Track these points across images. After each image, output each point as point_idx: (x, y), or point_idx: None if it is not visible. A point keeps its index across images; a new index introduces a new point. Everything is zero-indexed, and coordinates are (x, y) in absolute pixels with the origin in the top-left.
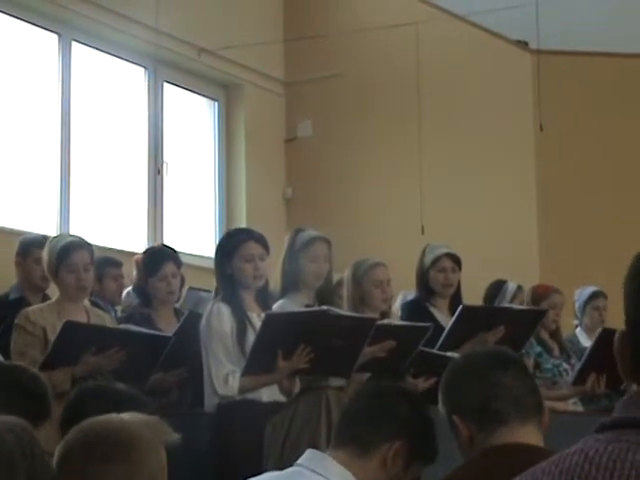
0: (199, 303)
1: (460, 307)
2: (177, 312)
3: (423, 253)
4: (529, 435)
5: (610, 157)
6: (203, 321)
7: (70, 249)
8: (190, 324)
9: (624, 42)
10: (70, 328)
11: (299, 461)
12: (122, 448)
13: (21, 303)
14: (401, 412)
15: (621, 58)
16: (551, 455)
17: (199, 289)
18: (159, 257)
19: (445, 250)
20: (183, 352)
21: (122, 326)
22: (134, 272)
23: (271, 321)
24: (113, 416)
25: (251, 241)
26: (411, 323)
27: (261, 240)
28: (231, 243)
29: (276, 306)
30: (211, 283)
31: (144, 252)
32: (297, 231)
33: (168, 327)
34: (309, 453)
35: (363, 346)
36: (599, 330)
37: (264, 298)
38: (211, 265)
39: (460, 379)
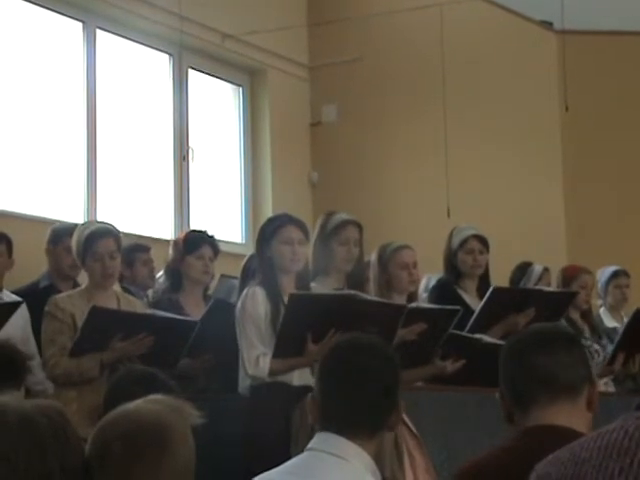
0: (231, 291)
1: (491, 289)
2: (207, 299)
3: (450, 235)
4: (558, 415)
5: (636, 136)
6: (239, 304)
7: (95, 237)
8: (216, 311)
9: None
10: (96, 313)
11: (313, 445)
12: (160, 445)
13: (51, 291)
14: (379, 376)
15: None
16: (575, 436)
17: (231, 277)
18: (200, 238)
19: (472, 232)
20: (210, 338)
21: (148, 311)
22: (170, 252)
23: (295, 302)
24: (144, 406)
25: (291, 225)
26: (441, 306)
27: (301, 225)
28: (271, 227)
29: None
30: (237, 268)
31: (185, 233)
32: (329, 215)
33: (196, 312)
34: (321, 436)
35: (395, 332)
36: (634, 310)
37: (304, 283)
38: (236, 250)
39: (502, 359)
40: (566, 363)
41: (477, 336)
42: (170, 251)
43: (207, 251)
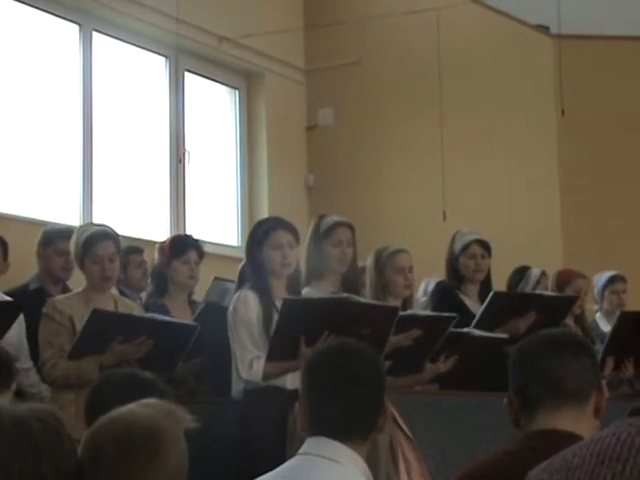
0: (225, 294)
1: (491, 293)
2: (191, 303)
3: (453, 240)
4: (563, 420)
5: (632, 141)
6: (231, 307)
7: (95, 240)
8: (208, 314)
9: None
10: (97, 316)
11: (305, 449)
12: (152, 448)
13: (41, 293)
14: (372, 381)
15: None
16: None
17: (225, 279)
18: (185, 243)
19: (475, 236)
20: (200, 342)
21: (149, 315)
22: (156, 257)
23: (289, 307)
24: (137, 410)
25: (280, 229)
26: (437, 313)
27: (290, 228)
28: (261, 231)
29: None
30: (233, 271)
31: (170, 238)
32: (320, 217)
33: (182, 316)
34: (313, 440)
35: (389, 334)
36: (618, 313)
37: (295, 286)
38: (232, 253)
39: (511, 363)
40: (573, 369)
41: (465, 330)
42: (156, 256)
43: (193, 255)
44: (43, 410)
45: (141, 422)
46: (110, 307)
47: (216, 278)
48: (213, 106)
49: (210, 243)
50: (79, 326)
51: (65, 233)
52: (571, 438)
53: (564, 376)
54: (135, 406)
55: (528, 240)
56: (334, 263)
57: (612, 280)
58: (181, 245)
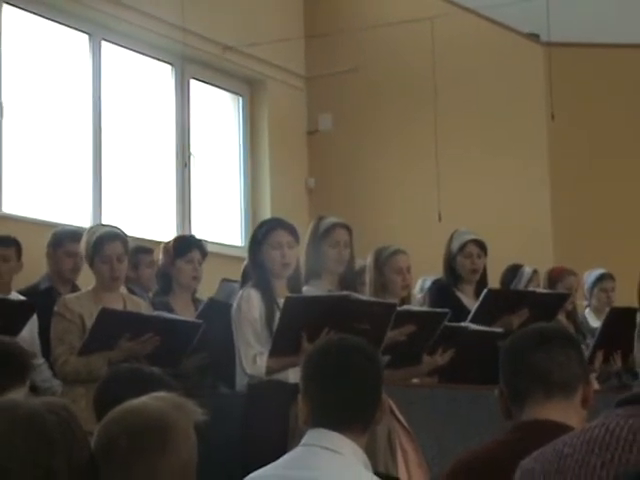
0: (231, 294)
1: (485, 290)
2: (195, 301)
3: (450, 239)
4: (552, 411)
5: (620, 145)
6: (234, 305)
7: (104, 240)
8: (211, 311)
9: (634, 33)
10: (106, 315)
11: (306, 441)
12: (164, 440)
13: (51, 293)
14: (371, 376)
15: (631, 49)
16: (567, 431)
17: (232, 280)
18: (189, 242)
19: (471, 236)
20: (203, 337)
21: (155, 313)
22: (160, 257)
23: (291, 304)
24: (148, 402)
25: (280, 229)
26: (430, 309)
27: (290, 228)
28: (262, 231)
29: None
30: (237, 270)
31: (174, 238)
32: (319, 219)
33: (186, 314)
34: (314, 432)
35: (387, 330)
36: (607, 310)
37: (296, 285)
38: (236, 253)
39: (501, 356)
40: (561, 361)
41: (463, 324)
42: (160, 255)
43: (196, 255)
44: (56, 404)
45: (153, 415)
46: (119, 305)
47: (224, 279)
48: (217, 112)
49: (214, 243)
50: (89, 324)
51: (74, 235)
52: (560, 428)
53: (552, 369)
54: (146, 399)
55: (520, 239)
56: (331, 263)
57: (601, 278)
58: (184, 245)
